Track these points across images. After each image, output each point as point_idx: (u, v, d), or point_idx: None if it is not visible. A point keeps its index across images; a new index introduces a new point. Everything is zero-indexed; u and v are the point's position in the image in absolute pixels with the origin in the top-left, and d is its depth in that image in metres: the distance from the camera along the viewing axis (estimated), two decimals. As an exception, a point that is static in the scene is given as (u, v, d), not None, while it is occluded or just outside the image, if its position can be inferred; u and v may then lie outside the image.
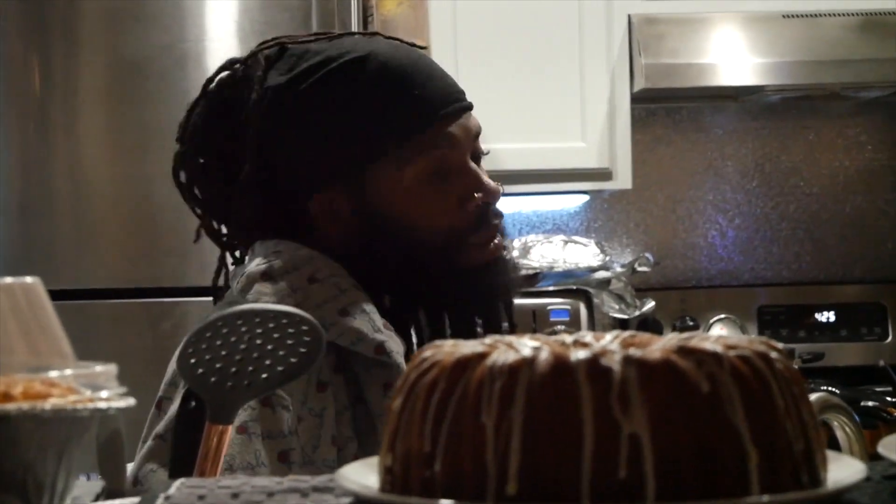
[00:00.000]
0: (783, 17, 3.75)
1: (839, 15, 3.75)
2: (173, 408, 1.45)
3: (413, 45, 1.66)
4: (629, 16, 3.77)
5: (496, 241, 1.58)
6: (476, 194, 1.56)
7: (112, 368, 0.86)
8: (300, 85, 1.55)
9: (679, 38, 3.71)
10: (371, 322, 1.47)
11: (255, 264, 1.53)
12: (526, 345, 0.77)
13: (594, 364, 0.74)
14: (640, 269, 3.74)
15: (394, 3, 3.50)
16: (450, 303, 1.55)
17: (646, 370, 0.73)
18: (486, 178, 1.58)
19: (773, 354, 0.77)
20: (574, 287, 3.64)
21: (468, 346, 0.79)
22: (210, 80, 1.64)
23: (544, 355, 0.75)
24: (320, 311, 1.45)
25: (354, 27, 3.16)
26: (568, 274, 3.64)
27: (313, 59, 1.57)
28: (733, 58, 3.70)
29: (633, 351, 0.74)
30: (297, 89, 1.55)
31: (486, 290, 1.58)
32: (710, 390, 0.73)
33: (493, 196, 1.58)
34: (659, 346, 0.76)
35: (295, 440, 1.42)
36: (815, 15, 3.75)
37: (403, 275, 1.55)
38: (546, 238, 3.75)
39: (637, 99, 3.84)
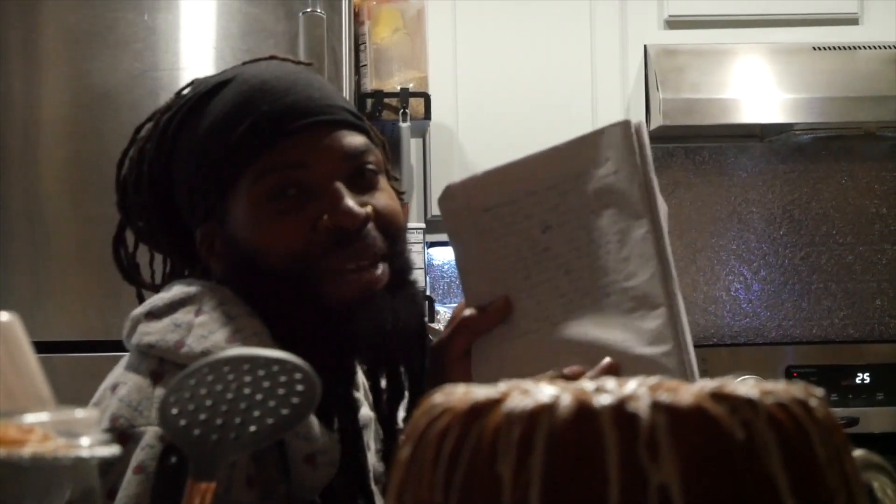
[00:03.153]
0: (814, 49, 3.79)
1: (875, 48, 3.78)
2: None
3: (300, 62, 1.71)
4: (645, 46, 3.81)
5: (370, 274, 1.56)
6: (324, 216, 1.55)
7: (94, 414, 0.88)
8: (173, 120, 1.64)
9: (700, 71, 3.75)
10: (262, 346, 1.49)
11: (140, 307, 1.56)
12: (544, 390, 0.79)
13: (620, 409, 0.75)
14: (656, 324, 3.75)
15: (388, 31, 3.53)
16: (321, 343, 1.55)
17: (676, 416, 0.75)
18: (346, 201, 1.55)
19: (813, 401, 0.79)
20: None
21: (482, 392, 0.81)
22: (138, 129, 1.71)
23: (566, 400, 0.77)
24: (206, 341, 1.48)
25: (345, 55, 3.19)
26: (577, 329, 3.64)
27: (190, 93, 1.65)
28: (759, 93, 3.74)
29: (662, 396, 0.76)
30: (171, 126, 1.64)
31: (358, 331, 1.54)
32: (744, 438, 0.74)
33: (346, 219, 1.54)
34: (689, 391, 0.77)
35: None
36: (849, 47, 3.79)
37: (271, 309, 1.56)
38: (553, 289, 3.75)
39: (654, 138, 3.87)
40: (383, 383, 1.64)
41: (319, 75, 1.72)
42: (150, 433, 1.45)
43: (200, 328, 1.51)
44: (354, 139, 1.59)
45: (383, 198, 1.60)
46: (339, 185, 1.56)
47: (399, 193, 1.67)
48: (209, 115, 1.60)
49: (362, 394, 1.64)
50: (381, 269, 1.57)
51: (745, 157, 4.22)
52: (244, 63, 1.69)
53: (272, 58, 1.70)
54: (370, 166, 1.60)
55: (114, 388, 1.53)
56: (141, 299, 1.71)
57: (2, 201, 3.17)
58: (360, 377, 1.67)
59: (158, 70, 3.15)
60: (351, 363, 1.60)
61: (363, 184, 1.59)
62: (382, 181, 1.62)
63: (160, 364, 1.51)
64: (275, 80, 1.60)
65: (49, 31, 3.20)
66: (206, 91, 1.62)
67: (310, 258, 1.54)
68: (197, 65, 3.13)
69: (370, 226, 1.56)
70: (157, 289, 1.68)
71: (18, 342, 0.89)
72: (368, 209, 1.56)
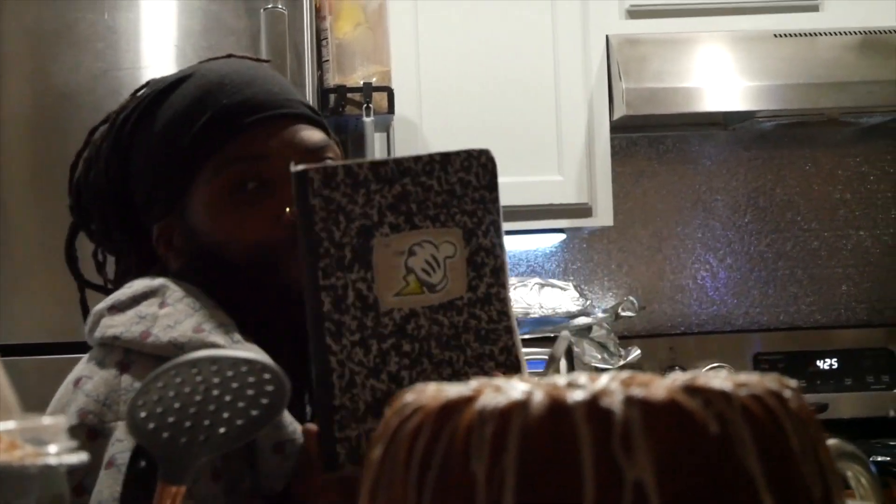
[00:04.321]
0: (775, 36, 3.80)
1: (836, 34, 3.79)
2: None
3: (258, 59, 1.74)
4: (607, 37, 3.81)
5: None
6: (287, 210, 1.55)
7: (60, 421, 0.87)
8: (130, 118, 1.65)
9: (662, 60, 3.75)
10: (230, 336, 1.50)
11: (102, 302, 1.56)
12: (516, 387, 0.79)
13: (593, 405, 0.75)
14: (623, 314, 3.76)
15: (350, 25, 3.52)
16: (287, 332, 1.55)
17: (650, 411, 0.74)
18: None
19: (787, 393, 0.78)
20: (552, 335, 3.65)
21: (454, 389, 0.80)
22: (92, 131, 1.72)
23: (538, 397, 0.76)
24: (173, 331, 1.49)
25: (307, 51, 3.18)
26: (544, 321, 3.65)
27: (146, 91, 1.67)
28: (721, 81, 3.74)
29: (635, 390, 0.75)
30: (128, 124, 1.65)
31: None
32: (719, 432, 0.74)
33: None
34: (662, 384, 0.77)
35: None
36: (811, 34, 3.79)
37: (234, 301, 1.56)
38: (520, 281, 3.76)
39: (617, 127, 3.88)
40: None
41: (277, 72, 1.73)
42: (120, 428, 1.46)
43: (166, 318, 1.51)
44: (314, 134, 1.62)
45: None
46: None
47: None
48: (167, 110, 1.62)
49: None
50: None
51: (708, 145, 4.23)
52: (201, 62, 1.70)
53: (230, 56, 1.71)
54: (329, 161, 1.61)
55: (77, 382, 1.53)
56: (83, 303, 1.71)
57: (-36, 204, 3.15)
58: None
59: (120, 69, 3.13)
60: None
61: None
62: None
63: (126, 355, 1.51)
64: (234, 74, 1.62)
65: (9, 31, 3.18)
66: (163, 88, 1.64)
67: (273, 251, 1.55)
68: (158, 63, 3.11)
69: None
70: (108, 291, 1.68)
71: (-18, 349, 0.88)
72: None
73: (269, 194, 1.56)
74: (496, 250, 1.41)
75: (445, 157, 1.41)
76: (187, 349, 1.45)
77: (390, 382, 1.35)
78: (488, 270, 1.41)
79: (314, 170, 1.35)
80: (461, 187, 1.40)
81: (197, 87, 1.61)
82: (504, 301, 1.42)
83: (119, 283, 1.66)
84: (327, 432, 1.33)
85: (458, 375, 1.38)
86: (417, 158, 1.39)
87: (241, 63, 1.67)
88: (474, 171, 1.41)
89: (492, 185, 1.42)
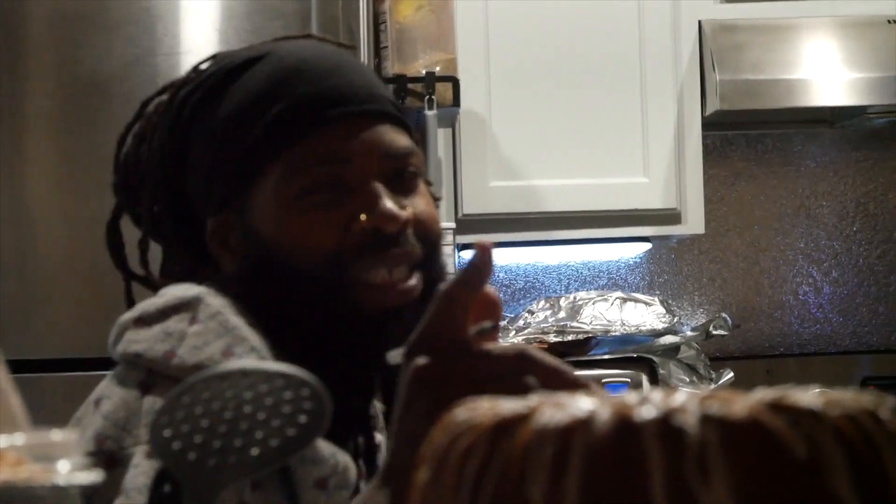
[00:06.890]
0: (889, 22, 3.77)
1: (959, 19, 3.77)
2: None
3: (341, 44, 1.73)
4: (700, 22, 3.80)
5: (406, 281, 1.56)
6: (362, 217, 1.56)
7: (72, 436, 0.87)
8: (193, 96, 1.64)
9: (761, 48, 3.74)
10: (260, 360, 1.50)
11: (129, 312, 1.56)
12: (580, 403, 0.78)
13: (665, 423, 0.74)
14: (715, 332, 3.75)
15: (411, 8, 3.53)
16: (342, 352, 1.55)
17: (729, 431, 0.73)
18: (384, 201, 1.55)
19: (884, 413, 0.77)
20: (634, 355, 3.64)
21: (509, 405, 0.79)
22: (145, 103, 1.72)
23: (604, 414, 0.75)
24: (200, 353, 1.49)
25: (363, 35, 3.19)
26: (627, 339, 3.64)
27: (213, 67, 1.65)
28: (828, 73, 3.72)
29: (713, 408, 0.75)
30: (189, 103, 1.64)
31: (387, 345, 1.54)
32: (807, 455, 0.73)
33: (385, 222, 1.54)
34: (744, 402, 0.76)
35: None
36: (929, 19, 3.77)
37: (289, 313, 1.56)
38: (600, 295, 3.75)
39: (710, 124, 3.87)
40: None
41: (361, 61, 1.72)
42: (138, 453, 1.45)
43: (194, 338, 1.51)
44: (399, 138, 1.61)
45: (422, 202, 1.61)
46: (379, 185, 1.56)
47: (435, 199, 1.67)
48: (237, 93, 1.61)
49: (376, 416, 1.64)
50: (416, 278, 1.57)
51: (813, 145, 4.20)
52: (276, 39, 1.69)
53: (308, 36, 1.70)
54: (412, 168, 1.61)
55: (97, 402, 1.53)
56: (129, 298, 1.71)
57: (-15, 204, 3.18)
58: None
59: (156, 55, 3.15)
60: (372, 377, 1.60)
61: (402, 186, 1.59)
62: (422, 185, 1.63)
63: (149, 375, 1.51)
64: (314, 60, 1.61)
65: (33, 15, 3.21)
66: (233, 66, 1.62)
67: (341, 260, 1.54)
68: (198, 48, 3.12)
69: (408, 231, 1.57)
70: (155, 286, 1.68)
71: (-13, 356, 0.89)
72: (409, 212, 1.57)
73: (342, 199, 1.56)
74: None
75: None
76: None
77: None
78: None
79: None
80: None
81: (272, 70, 1.60)
82: None
83: (166, 277, 1.67)
84: None
85: None
86: None
87: (322, 48, 1.66)
88: None
89: None
